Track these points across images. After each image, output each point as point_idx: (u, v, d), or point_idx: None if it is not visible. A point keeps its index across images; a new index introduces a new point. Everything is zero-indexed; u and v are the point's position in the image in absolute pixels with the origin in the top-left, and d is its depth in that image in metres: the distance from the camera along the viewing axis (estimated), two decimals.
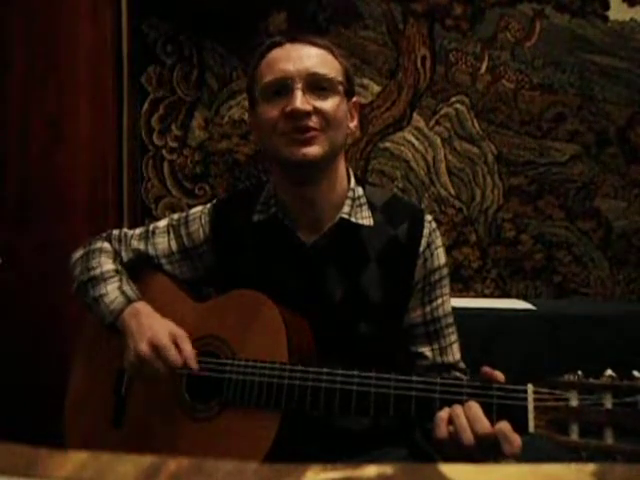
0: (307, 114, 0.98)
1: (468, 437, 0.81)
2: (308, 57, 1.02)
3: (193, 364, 0.98)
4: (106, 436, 1.08)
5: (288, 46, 1.03)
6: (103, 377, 1.12)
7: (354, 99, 1.09)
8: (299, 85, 0.99)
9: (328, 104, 1.00)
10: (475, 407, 0.82)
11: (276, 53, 1.03)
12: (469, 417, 0.82)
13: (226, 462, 0.39)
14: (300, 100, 0.97)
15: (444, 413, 0.84)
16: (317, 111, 0.99)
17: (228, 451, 0.94)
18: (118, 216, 1.99)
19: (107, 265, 1.13)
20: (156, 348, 0.98)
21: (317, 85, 1.00)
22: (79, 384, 1.16)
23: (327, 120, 1.00)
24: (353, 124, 1.09)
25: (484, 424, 0.80)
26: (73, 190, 1.93)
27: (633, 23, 1.94)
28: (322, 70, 1.01)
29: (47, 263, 1.84)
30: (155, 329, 1.01)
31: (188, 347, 1.00)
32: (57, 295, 1.45)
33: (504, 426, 0.79)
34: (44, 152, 1.92)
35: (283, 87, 1.00)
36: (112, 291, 1.08)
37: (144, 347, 0.99)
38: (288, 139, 0.99)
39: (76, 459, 0.40)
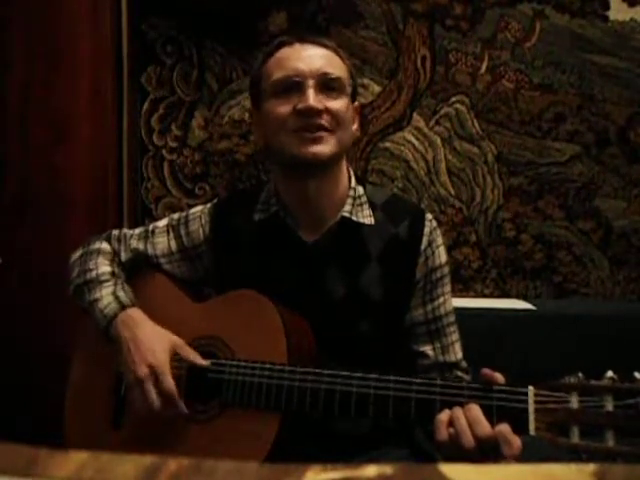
0: (319, 112, 0.99)
1: (468, 439, 0.80)
2: (319, 57, 1.03)
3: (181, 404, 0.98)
4: (106, 437, 1.08)
5: (298, 45, 1.04)
6: (102, 378, 1.12)
7: (355, 103, 1.10)
8: (311, 83, 1.00)
9: (338, 104, 1.02)
10: (475, 409, 0.82)
11: (286, 51, 1.04)
12: (469, 419, 0.81)
13: (226, 462, 0.39)
14: (313, 98, 0.98)
15: (444, 415, 0.84)
16: (328, 110, 1.00)
17: (228, 453, 0.94)
18: (118, 216, 1.99)
19: (103, 267, 1.12)
20: (155, 373, 0.98)
21: (327, 85, 1.01)
22: (78, 384, 1.16)
23: (337, 120, 1.01)
24: (354, 127, 1.10)
25: (484, 426, 0.80)
26: (73, 190, 1.92)
27: (633, 23, 1.93)
28: (332, 71, 1.02)
29: (47, 263, 1.83)
30: (153, 349, 0.99)
31: (188, 353, 1.01)
32: (57, 295, 1.44)
33: (504, 428, 0.79)
34: (44, 152, 1.92)
35: (294, 84, 1.00)
36: (106, 296, 1.07)
37: (144, 371, 0.98)
38: (299, 137, 0.99)
39: (76, 459, 0.40)
